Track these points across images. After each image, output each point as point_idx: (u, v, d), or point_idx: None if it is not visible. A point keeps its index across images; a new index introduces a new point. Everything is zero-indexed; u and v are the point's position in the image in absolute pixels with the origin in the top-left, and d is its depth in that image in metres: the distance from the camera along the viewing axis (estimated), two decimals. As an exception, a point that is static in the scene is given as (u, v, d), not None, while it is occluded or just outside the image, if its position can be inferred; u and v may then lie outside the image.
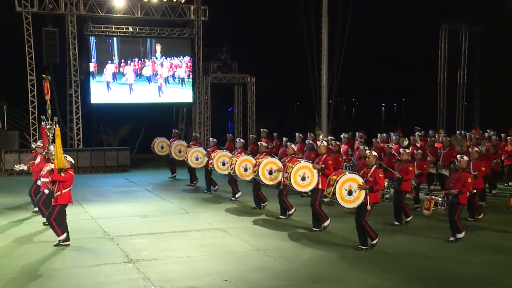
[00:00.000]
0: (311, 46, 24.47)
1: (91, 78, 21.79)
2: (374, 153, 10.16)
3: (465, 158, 10.56)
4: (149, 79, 22.79)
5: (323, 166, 11.09)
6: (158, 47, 22.81)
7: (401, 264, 9.13)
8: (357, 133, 17.42)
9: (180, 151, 17.18)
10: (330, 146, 13.84)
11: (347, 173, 9.92)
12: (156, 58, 22.71)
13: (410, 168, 11.66)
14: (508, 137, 16.76)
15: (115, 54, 22.31)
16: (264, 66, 29.33)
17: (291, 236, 10.84)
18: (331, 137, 16.75)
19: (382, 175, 9.77)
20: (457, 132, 17.50)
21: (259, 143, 13.71)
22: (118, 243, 10.18)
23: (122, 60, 22.31)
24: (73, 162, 10.04)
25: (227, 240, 10.52)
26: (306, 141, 15.38)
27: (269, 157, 12.68)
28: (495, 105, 29.73)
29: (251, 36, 30.05)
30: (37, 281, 8.22)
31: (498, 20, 25.25)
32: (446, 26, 26.28)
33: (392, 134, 17.37)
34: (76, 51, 21.10)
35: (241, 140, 14.60)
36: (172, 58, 23.06)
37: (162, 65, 22.83)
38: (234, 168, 13.14)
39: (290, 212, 12.21)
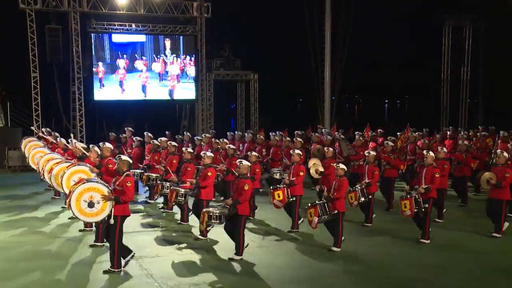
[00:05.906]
0: (314, 43, 24.46)
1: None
2: (124, 157, 8.64)
3: (245, 163, 9.32)
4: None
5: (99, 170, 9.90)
6: (168, 43, 22.79)
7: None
8: (356, 132, 16.14)
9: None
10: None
11: (86, 181, 8.39)
12: (166, 56, 22.71)
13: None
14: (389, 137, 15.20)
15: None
16: (267, 63, 29.28)
17: (297, 233, 10.83)
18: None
19: (130, 184, 8.29)
20: (357, 133, 15.42)
21: (71, 140, 11.99)
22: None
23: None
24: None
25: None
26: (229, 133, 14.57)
27: (77, 165, 10.03)
28: (499, 102, 29.63)
29: (254, 33, 30.01)
30: (39, 277, 8.26)
31: (502, 16, 25.12)
32: (450, 23, 26.17)
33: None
34: (80, 48, 21.12)
35: (62, 140, 13.05)
36: (184, 56, 23.10)
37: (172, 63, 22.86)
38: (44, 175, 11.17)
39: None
